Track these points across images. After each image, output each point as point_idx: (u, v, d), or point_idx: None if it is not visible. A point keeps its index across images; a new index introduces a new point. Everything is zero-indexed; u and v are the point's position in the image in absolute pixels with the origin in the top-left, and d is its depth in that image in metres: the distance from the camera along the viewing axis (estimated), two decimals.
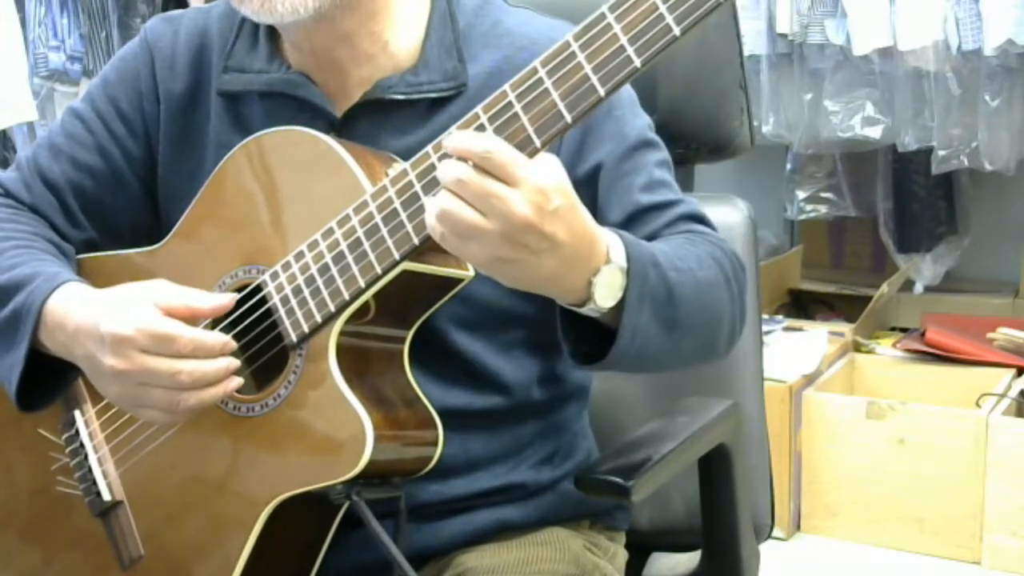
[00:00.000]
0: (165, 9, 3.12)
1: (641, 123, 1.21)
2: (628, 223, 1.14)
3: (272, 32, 1.21)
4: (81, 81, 3.38)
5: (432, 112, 1.15)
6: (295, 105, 1.18)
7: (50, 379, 1.17)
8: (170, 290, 1.09)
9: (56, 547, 1.23)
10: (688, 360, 1.15)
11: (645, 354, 1.06)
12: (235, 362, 1.07)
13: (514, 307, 1.18)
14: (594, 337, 1.07)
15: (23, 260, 1.17)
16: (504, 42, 1.18)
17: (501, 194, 0.92)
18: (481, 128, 0.98)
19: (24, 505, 1.25)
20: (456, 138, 0.94)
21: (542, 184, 0.94)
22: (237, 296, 1.10)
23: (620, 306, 1.02)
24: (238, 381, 1.08)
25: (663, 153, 1.21)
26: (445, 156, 0.96)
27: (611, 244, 1.02)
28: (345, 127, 1.16)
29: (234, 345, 1.08)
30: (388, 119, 1.16)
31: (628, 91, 1.21)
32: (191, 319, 1.07)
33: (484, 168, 0.92)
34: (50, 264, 1.18)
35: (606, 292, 1.01)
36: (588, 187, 1.15)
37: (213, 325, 1.11)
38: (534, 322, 1.20)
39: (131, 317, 1.05)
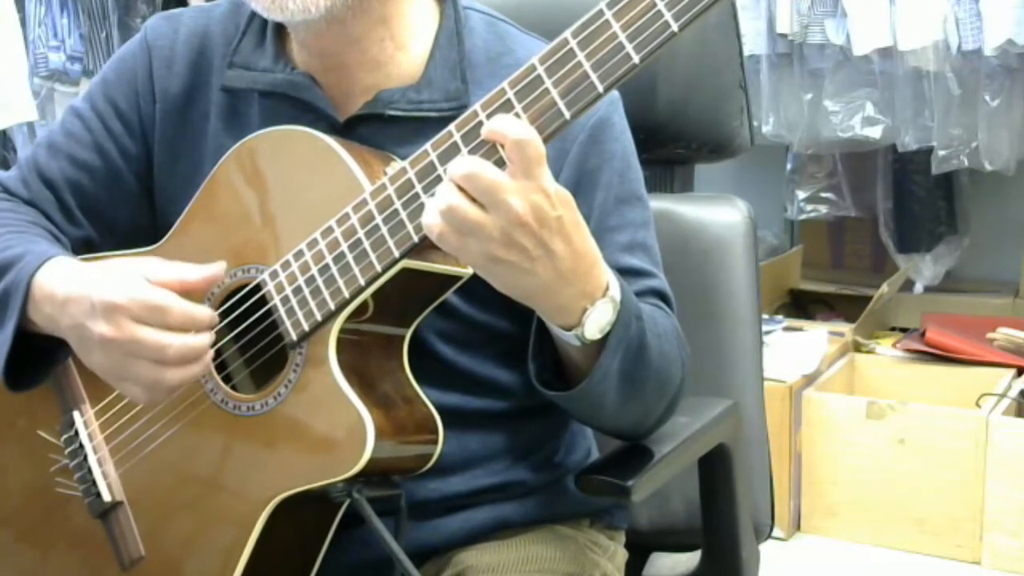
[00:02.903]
0: (165, 9, 3.12)
1: (635, 176, 1.21)
2: None
3: (279, 32, 1.21)
4: (81, 81, 3.39)
5: (433, 128, 1.14)
6: (297, 107, 1.17)
7: (39, 359, 1.16)
8: (160, 264, 1.09)
9: (55, 548, 1.23)
10: (619, 426, 1.16)
11: (601, 402, 1.08)
12: (212, 336, 1.07)
13: (492, 323, 1.18)
14: (553, 367, 1.08)
15: (15, 243, 1.17)
16: (511, 72, 1.17)
17: (507, 187, 0.93)
18: (480, 125, 0.98)
19: (23, 506, 1.25)
20: (499, 120, 0.95)
21: (550, 188, 0.94)
22: (225, 264, 1.10)
23: (599, 345, 1.03)
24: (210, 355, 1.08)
25: (649, 212, 1.22)
26: (473, 140, 0.97)
27: (611, 279, 1.03)
28: (346, 134, 1.15)
29: (217, 320, 1.08)
30: (388, 130, 1.16)
31: (628, 141, 1.22)
32: (182, 292, 1.07)
33: (510, 155, 0.93)
34: (41, 244, 1.18)
35: (596, 325, 1.02)
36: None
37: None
38: (512, 337, 1.18)
39: (123, 286, 1.05)
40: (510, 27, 1.23)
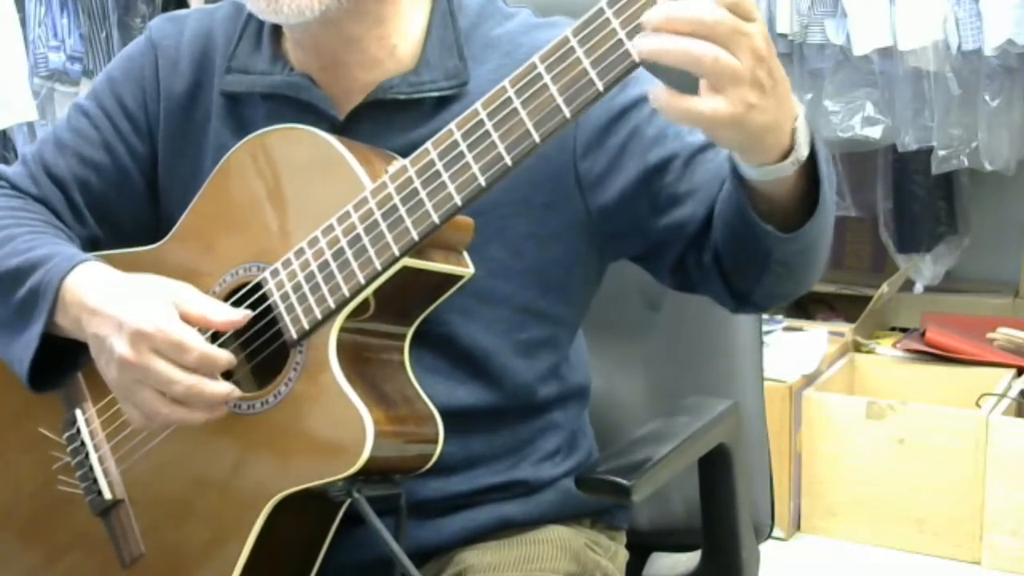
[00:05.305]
0: (165, 9, 3.13)
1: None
2: (691, 161, 1.12)
3: (276, 33, 1.21)
4: (81, 81, 3.38)
5: (435, 111, 1.15)
6: (298, 107, 1.17)
7: (62, 360, 1.16)
8: (192, 296, 1.10)
9: (57, 547, 1.23)
10: (809, 273, 1.10)
11: (827, 219, 1.03)
12: (236, 392, 1.08)
13: (535, 303, 1.18)
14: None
15: (40, 243, 1.17)
16: (507, 50, 1.17)
17: (746, 29, 0.89)
18: (480, 124, 0.99)
19: (25, 505, 1.25)
20: None
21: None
22: (252, 314, 1.10)
23: (806, 167, 0.98)
24: (221, 411, 1.08)
25: None
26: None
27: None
28: (348, 129, 1.16)
29: (234, 361, 1.08)
30: (391, 119, 1.16)
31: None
32: (203, 328, 1.08)
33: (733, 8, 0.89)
34: (66, 246, 1.19)
35: (803, 140, 0.97)
36: (632, 148, 1.14)
37: None
38: (552, 318, 1.20)
39: (153, 315, 1.06)
40: (499, 2, 1.23)
